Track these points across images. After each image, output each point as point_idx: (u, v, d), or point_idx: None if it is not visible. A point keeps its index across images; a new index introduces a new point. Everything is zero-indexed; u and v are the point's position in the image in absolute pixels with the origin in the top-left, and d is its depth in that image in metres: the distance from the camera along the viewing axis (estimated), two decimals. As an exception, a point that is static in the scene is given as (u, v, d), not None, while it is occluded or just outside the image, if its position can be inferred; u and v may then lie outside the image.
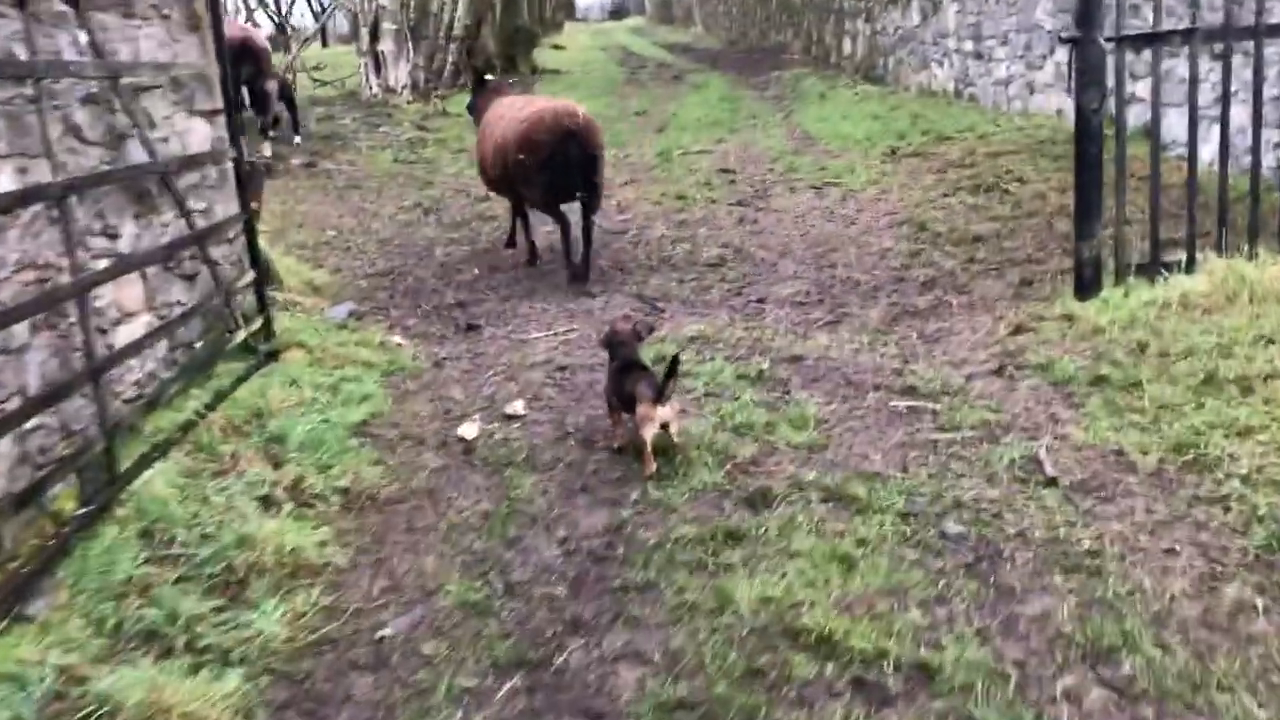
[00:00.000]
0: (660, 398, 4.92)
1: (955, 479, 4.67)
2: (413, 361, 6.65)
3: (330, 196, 11.66)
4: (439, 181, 12.67)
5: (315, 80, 18.14)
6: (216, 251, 6.51)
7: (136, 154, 5.38)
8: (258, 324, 6.66)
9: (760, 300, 7.84)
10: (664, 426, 4.94)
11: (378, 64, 16.68)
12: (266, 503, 4.75)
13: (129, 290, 5.28)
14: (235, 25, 12.65)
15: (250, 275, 6.66)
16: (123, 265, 5.08)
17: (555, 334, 7.23)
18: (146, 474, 4.80)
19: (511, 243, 9.83)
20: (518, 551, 4.33)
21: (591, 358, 6.56)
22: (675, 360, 5.00)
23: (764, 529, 4.30)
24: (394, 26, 16.33)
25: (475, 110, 10.21)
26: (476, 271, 8.97)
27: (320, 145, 14.35)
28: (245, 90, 12.60)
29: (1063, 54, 12.81)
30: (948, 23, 16.71)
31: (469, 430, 5.55)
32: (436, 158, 13.94)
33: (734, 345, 6.66)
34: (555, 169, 8.27)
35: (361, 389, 6.06)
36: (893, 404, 5.57)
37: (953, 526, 4.24)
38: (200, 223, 6.23)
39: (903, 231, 9.54)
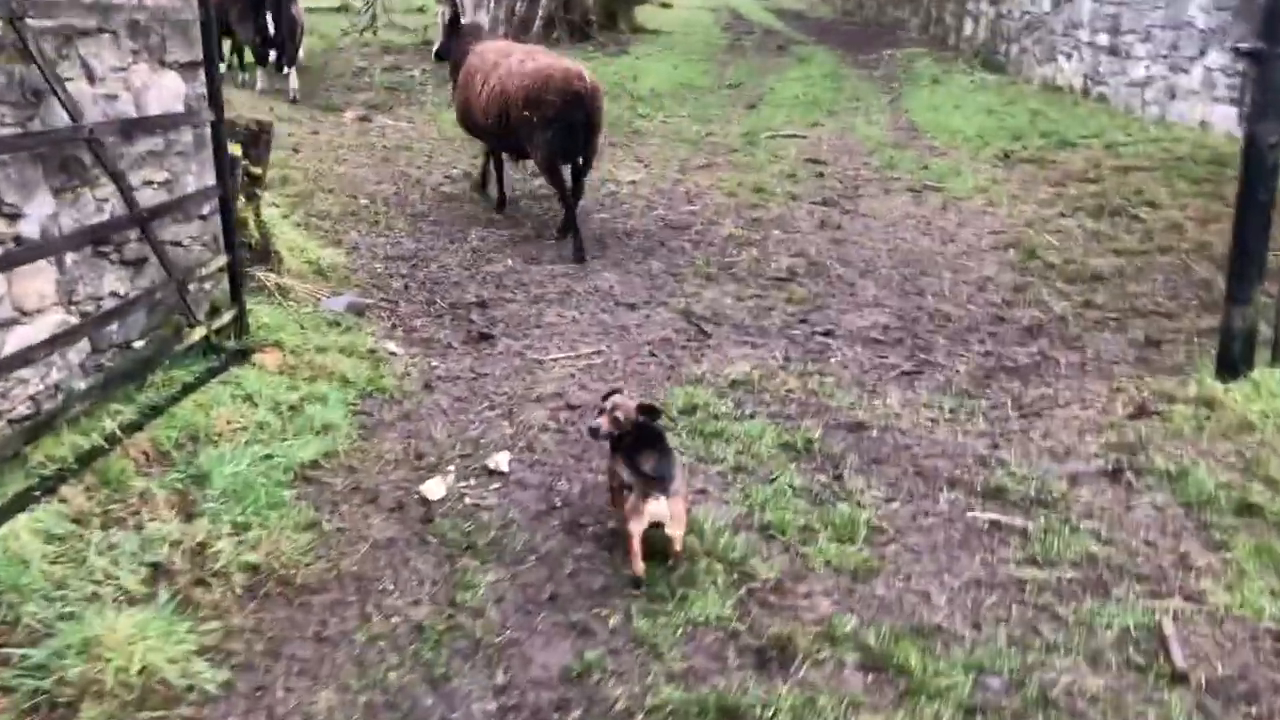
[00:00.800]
0: (656, 488, 3.78)
1: (1045, 652, 3.45)
2: (399, 381, 5.59)
3: (375, 158, 10.64)
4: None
5: (398, 26, 17.18)
6: (182, 231, 5.52)
7: (63, 115, 4.36)
8: (227, 318, 5.66)
9: (828, 333, 6.60)
10: (657, 525, 3.80)
11: (455, 14, 15.56)
12: (154, 575, 3.75)
13: (32, 282, 4.29)
14: None
15: (221, 260, 5.65)
16: (14, 255, 4.08)
17: (578, 356, 6.10)
18: (11, 522, 3.83)
19: (483, 185, 9.73)
20: (440, 698, 3.25)
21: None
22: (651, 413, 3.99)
23: (773, 709, 3.14)
24: (476, -27, 15.23)
25: (449, 55, 9.89)
26: (509, 263, 7.87)
27: (384, 98, 13.35)
28: (268, 19, 11.60)
29: (1215, 57, 11.18)
30: (1082, 11, 15.00)
31: (435, 489, 4.47)
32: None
33: (783, 398, 5.47)
34: (559, 130, 8.08)
35: (326, 415, 5.02)
36: (972, 514, 4.33)
37: (1033, 740, 3.03)
38: (163, 196, 5.24)
39: (1008, 257, 8.17)
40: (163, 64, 5.23)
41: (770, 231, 8.88)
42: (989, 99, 15.40)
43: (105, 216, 4.68)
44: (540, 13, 20.92)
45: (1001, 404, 5.54)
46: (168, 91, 5.27)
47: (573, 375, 5.81)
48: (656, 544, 3.84)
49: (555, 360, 6.04)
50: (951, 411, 5.41)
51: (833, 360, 6.14)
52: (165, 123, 5.20)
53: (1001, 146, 12.01)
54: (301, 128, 10.75)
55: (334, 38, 17.22)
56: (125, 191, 4.68)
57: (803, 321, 6.83)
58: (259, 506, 4.18)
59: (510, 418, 5.24)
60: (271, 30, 11.99)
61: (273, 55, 12.36)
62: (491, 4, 15.50)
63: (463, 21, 10.25)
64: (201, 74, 5.47)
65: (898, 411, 5.35)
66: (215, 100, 5.51)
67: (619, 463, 3.94)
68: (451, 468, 4.69)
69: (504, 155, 9.28)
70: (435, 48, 10.46)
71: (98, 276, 4.72)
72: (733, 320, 6.80)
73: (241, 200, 6.77)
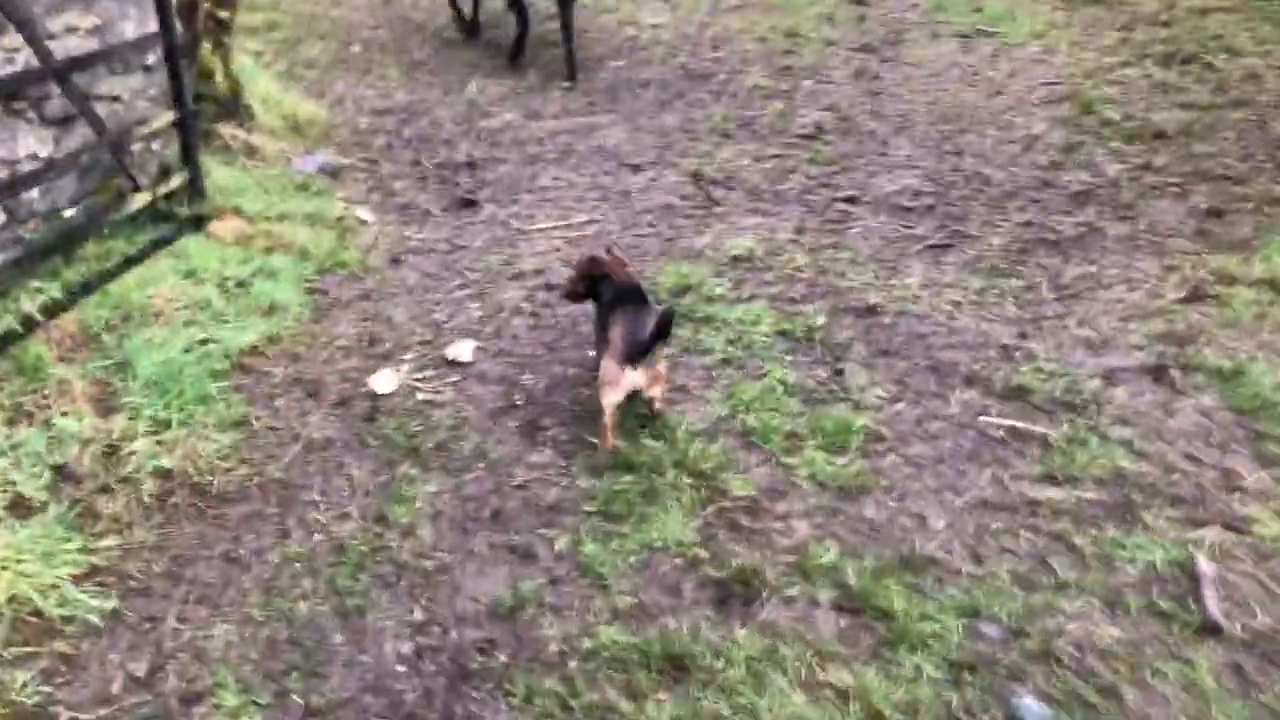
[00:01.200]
0: (637, 357, 3.44)
1: (1054, 592, 2.95)
2: (365, 254, 5.08)
3: (379, 6, 9.87)
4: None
5: None
6: (122, 84, 4.97)
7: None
8: (177, 181, 5.15)
9: (850, 199, 5.94)
10: (633, 394, 3.56)
11: None
12: (58, 478, 3.36)
13: (-78, 147, 3.79)
14: None
15: (169, 117, 5.10)
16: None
17: (568, 226, 5.54)
18: (-99, 420, 3.45)
19: (458, 11, 9.13)
20: (351, 635, 2.84)
21: (596, 272, 4.91)
22: (667, 318, 3.48)
23: (726, 659, 2.71)
24: None
25: None
26: (508, 118, 7.22)
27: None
28: None
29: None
30: None
31: (384, 381, 4.01)
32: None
33: (789, 277, 4.89)
34: None
35: (276, 293, 4.55)
36: (986, 418, 3.79)
37: (1032, 706, 2.56)
38: (93, 45, 4.68)
39: (1061, 112, 7.36)
40: (84, -111, 4.59)
41: (800, 82, 8.09)
42: (1057, -69, 14.06)
43: (16, 68, 4.14)
44: None
45: (1036, 284, 4.91)
46: (93, -78, 4.64)
47: (558, 249, 5.25)
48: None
49: (542, 231, 5.48)
50: (978, 293, 4.80)
51: (851, 231, 5.52)
52: (89, -41, 4.59)
53: (1066, -15, 10.90)
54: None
55: None
56: (35, 40, 4.12)
57: (824, 186, 6.17)
58: (184, 400, 3.75)
59: (482, 298, 4.73)
60: None
61: None
62: None
63: None
64: (134, -99, 4.82)
65: (917, 293, 4.75)
66: (152, -67, 4.86)
67: (615, 319, 3.60)
68: (408, 357, 4.22)
69: None
70: None
71: (10, 137, 4.21)
72: (746, 184, 6.15)
73: (207, 47, 6.19)
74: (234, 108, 6.24)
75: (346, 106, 7.13)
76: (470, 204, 5.81)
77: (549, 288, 4.82)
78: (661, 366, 3.65)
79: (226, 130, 6.02)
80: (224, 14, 6.29)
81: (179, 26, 5.86)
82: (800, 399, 3.88)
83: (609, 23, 9.62)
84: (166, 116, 5.09)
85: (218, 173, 5.46)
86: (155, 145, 5.16)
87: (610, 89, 7.89)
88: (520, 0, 8.06)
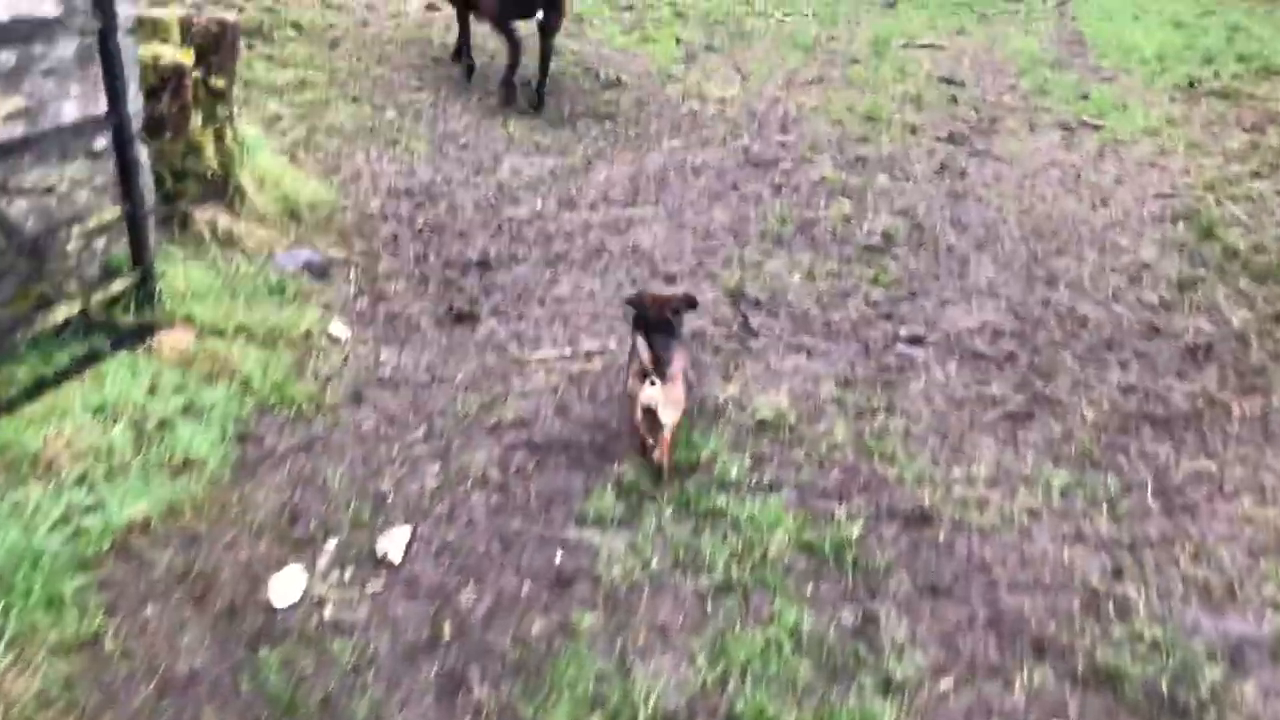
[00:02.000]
0: (655, 370, 3.64)
1: None
2: (322, 386, 4.27)
3: (426, 56, 9.13)
4: (577, 50, 9.95)
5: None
6: (59, 173, 4.26)
7: None
8: (119, 286, 4.41)
9: (915, 338, 5.00)
10: (649, 411, 3.66)
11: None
12: None
13: None
14: None
15: (113, 212, 4.38)
16: None
17: (573, 355, 4.68)
18: None
19: (457, 55, 8.82)
20: None
21: (596, 428, 4.05)
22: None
23: None
24: None
25: None
26: (540, 205, 6.42)
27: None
28: None
29: None
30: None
31: (287, 588, 3.18)
32: (594, 15, 11.16)
33: (825, 457, 3.96)
34: None
35: (197, 439, 3.76)
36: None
37: None
38: (19, 129, 3.98)
39: (1175, 234, 6.32)
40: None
41: (874, 177, 7.16)
42: (1180, 6, 12.96)
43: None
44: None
45: (1138, 484, 3.91)
46: (19, -12, 3.94)
47: (556, 387, 4.40)
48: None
49: (542, 361, 4.63)
50: (1063, 494, 3.82)
51: (912, 386, 4.57)
52: (15, 33, 3.89)
53: (1186, 73, 9.82)
54: (349, 17, 9.37)
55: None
56: (-86, 132, 3.41)
57: (886, 316, 5.23)
58: (27, 605, 2.96)
59: (445, 458, 3.88)
60: None
61: None
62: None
63: None
64: (79, -37, 4.11)
65: (984, 493, 3.79)
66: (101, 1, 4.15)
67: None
68: (330, 546, 3.38)
69: (470, 16, 8.43)
70: None
71: (-117, 247, 3.50)
72: (794, 310, 5.24)
73: (197, 120, 5.50)
74: (223, 189, 5.54)
75: (361, 184, 6.39)
76: (466, 319, 4.99)
77: (532, 447, 3.96)
78: (680, 388, 3.76)
79: (207, 215, 5.31)
80: (219, 83, 5.60)
81: (168, 99, 5.24)
82: (814, 663, 2.94)
83: (674, 95, 8.82)
84: (110, 211, 4.37)
85: (180, 271, 4.73)
86: (99, 243, 4.44)
87: (660, 174, 7.05)
88: (508, 27, 7.86)
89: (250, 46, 7.97)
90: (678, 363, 3.82)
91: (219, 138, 5.68)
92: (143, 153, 4.68)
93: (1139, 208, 6.73)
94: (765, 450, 3.95)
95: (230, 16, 5.70)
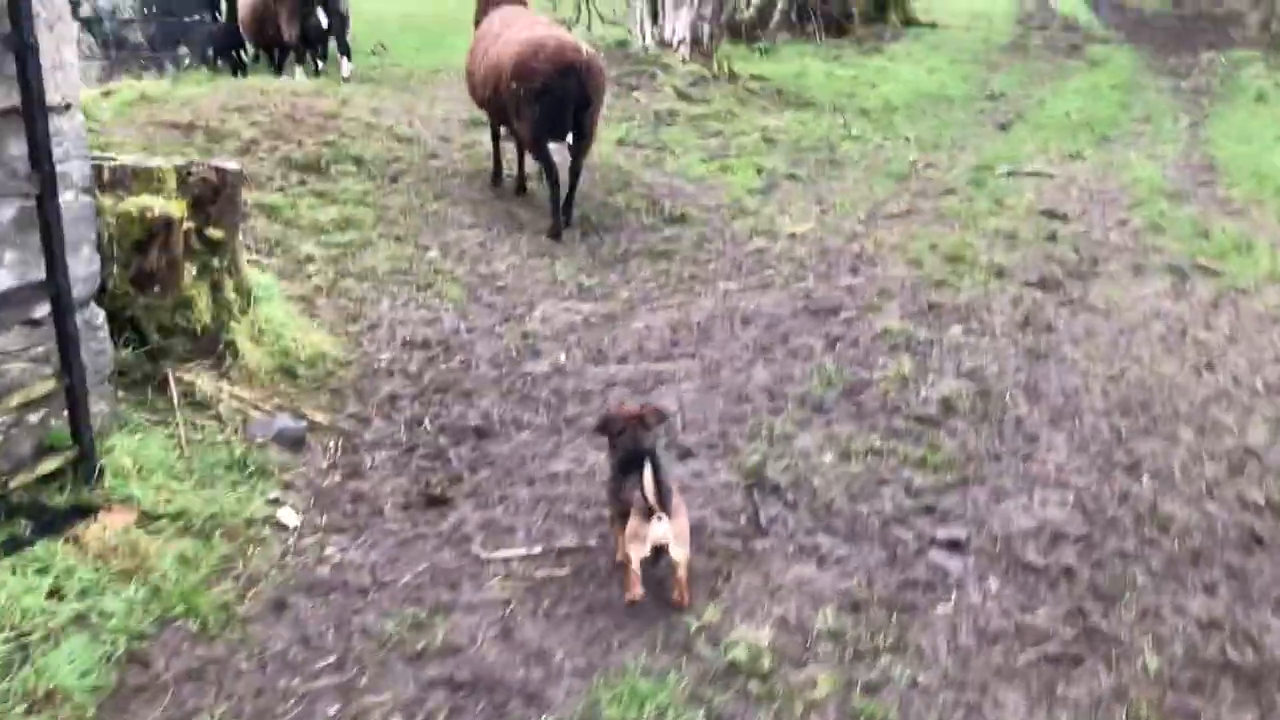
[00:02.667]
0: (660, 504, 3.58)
1: None
2: (242, 593, 3.78)
3: (488, 189, 8.91)
4: (649, 182, 9.56)
5: (609, 20, 15.49)
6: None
7: None
8: (52, 465, 4.06)
9: (955, 544, 4.23)
10: (658, 550, 3.64)
11: (655, 10, 13.67)
12: None
13: None
14: None
15: (46, 386, 4.04)
16: None
17: (545, 551, 4.10)
18: None
19: (497, 177, 8.92)
20: None
21: (536, 661, 3.42)
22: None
23: None
24: (677, -35, 13.21)
25: (478, 20, 9.04)
26: (562, 359, 5.93)
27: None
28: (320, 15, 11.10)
29: None
30: None
31: None
32: (678, 142, 10.81)
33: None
34: (548, 104, 7.61)
35: (72, 664, 3.29)
36: None
37: None
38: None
39: (1298, 409, 5.38)
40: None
41: (945, 330, 6.42)
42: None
43: None
44: (780, 6, 18.63)
45: (1207, 776, 3.04)
46: (-52, 154, 3.69)
47: (507, 601, 3.80)
48: None
49: (505, 562, 4.04)
50: (1101, 789, 2.98)
51: (936, 611, 3.80)
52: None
53: (1327, 207, 8.78)
54: (418, 150, 9.17)
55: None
56: None
57: (924, 513, 4.48)
58: None
59: (348, 696, 3.30)
60: (325, 24, 11.73)
61: (308, 56, 12.09)
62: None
63: None
64: (11, 119, 3.84)
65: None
66: (39, 160, 3.87)
67: (630, 479, 3.69)
68: (167, 822, 2.82)
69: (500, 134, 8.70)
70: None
71: None
72: (816, 501, 4.53)
73: (191, 273, 5.23)
74: (212, 345, 5.23)
75: (377, 334, 6.02)
76: (438, 502, 4.47)
77: (461, 689, 3.35)
78: (684, 520, 3.72)
79: (187, 376, 4.97)
80: (216, 234, 5.34)
81: (156, 253, 4.98)
82: None
83: (742, 230, 8.30)
84: (44, 386, 4.04)
85: (131, 444, 4.36)
86: (34, 417, 4.10)
87: (706, 322, 6.49)
88: (542, 150, 7.95)
89: (303, 183, 7.84)
90: (677, 492, 3.79)
91: (216, 290, 5.41)
92: (98, 316, 4.40)
93: (1252, 375, 5.80)
94: (726, 709, 3.24)
95: (233, 165, 5.45)
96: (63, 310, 4.01)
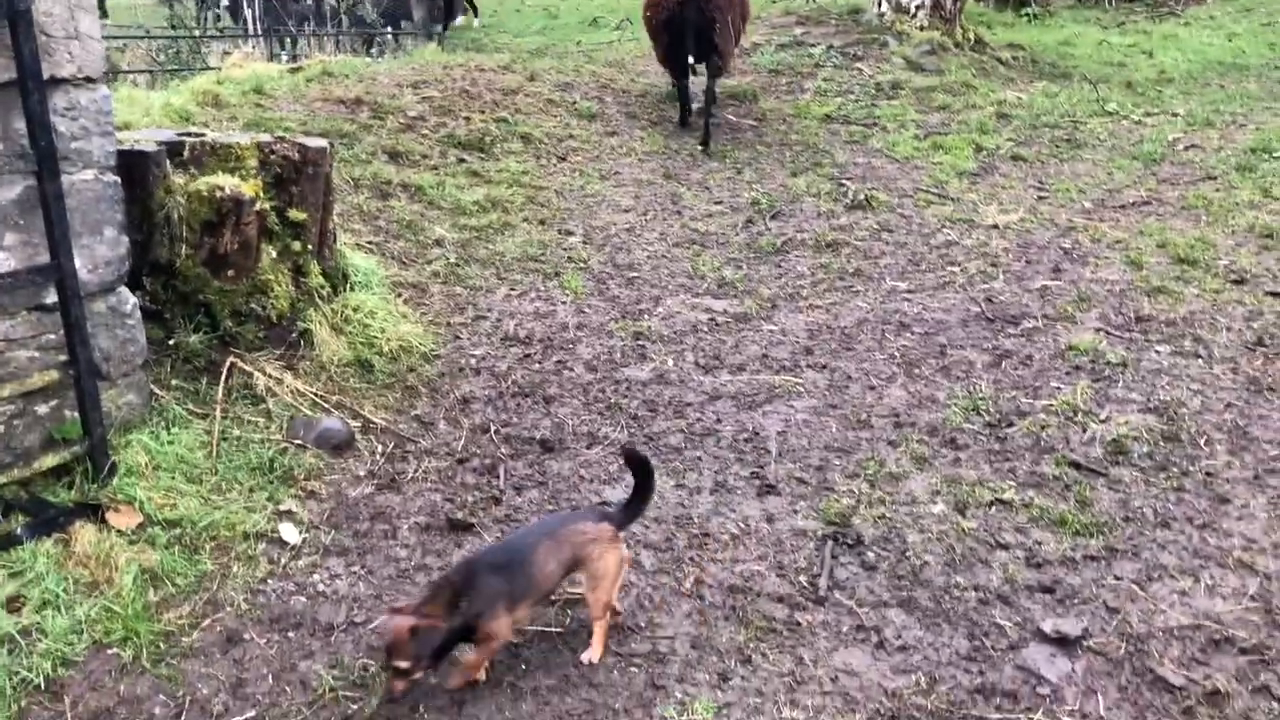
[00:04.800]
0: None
1: None
2: (198, 616, 3.41)
3: (659, 172, 8.27)
4: (841, 162, 8.60)
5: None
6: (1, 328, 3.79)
7: None
8: (51, 460, 3.86)
9: (1065, 640, 3.27)
10: None
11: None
12: None
13: None
14: None
15: (47, 377, 3.84)
16: None
17: (546, 602, 3.48)
18: None
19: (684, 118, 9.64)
20: None
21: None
22: None
23: None
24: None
25: None
26: (671, 365, 5.24)
27: (760, 83, 10.83)
28: None
29: None
30: None
31: None
32: (893, 118, 9.73)
33: None
34: (674, 31, 8.70)
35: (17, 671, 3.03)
36: None
37: None
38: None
39: None
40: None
41: (1148, 350, 5.24)
42: None
43: None
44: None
45: None
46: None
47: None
48: None
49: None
50: None
51: (1006, 739, 2.88)
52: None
53: None
54: (596, 127, 8.70)
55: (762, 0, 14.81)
56: None
57: (1044, 590, 3.51)
58: None
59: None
60: None
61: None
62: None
63: None
64: (12, 92, 3.62)
65: None
66: (38, 137, 3.63)
67: None
68: None
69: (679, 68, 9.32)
70: None
71: None
72: (907, 561, 3.66)
73: (269, 256, 4.97)
74: (284, 333, 4.95)
75: (480, 328, 5.58)
76: (462, 528, 3.95)
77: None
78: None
79: (248, 366, 4.71)
80: (298, 215, 5.05)
81: (229, 235, 4.74)
82: None
83: (933, 220, 7.26)
84: (44, 376, 3.83)
85: (156, 439, 4.12)
86: (42, 408, 3.91)
87: (853, 328, 5.63)
88: (677, 74, 9.18)
89: (461, 161, 7.54)
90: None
91: (298, 274, 5.14)
92: (127, 302, 4.16)
93: None
94: None
95: (318, 141, 5.13)
96: (68, 295, 3.78)
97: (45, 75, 3.65)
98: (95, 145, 3.93)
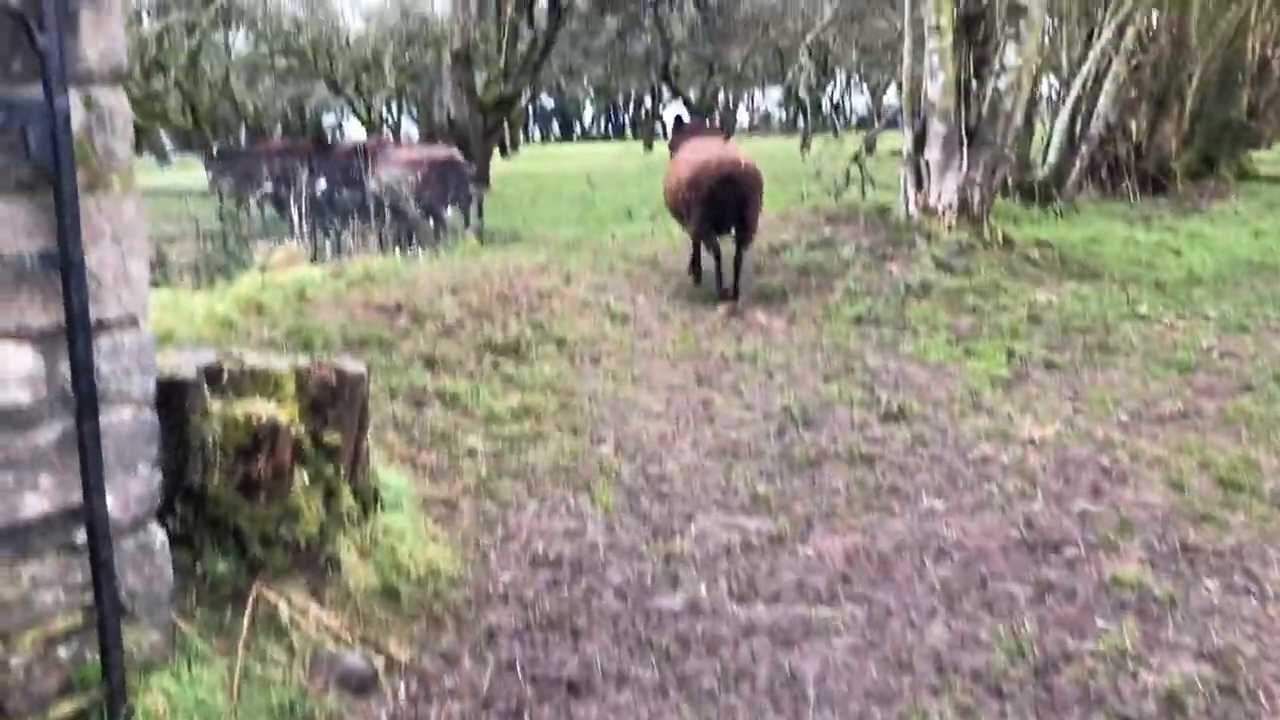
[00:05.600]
0: None
1: None
2: None
3: (691, 376, 8.32)
4: (873, 367, 8.64)
5: (880, 185, 14.80)
6: (16, 573, 3.75)
7: None
8: (68, 707, 3.77)
9: None
10: None
11: (919, 176, 12.82)
12: None
13: None
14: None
15: (72, 620, 3.78)
16: None
17: None
18: None
19: (693, 265, 11.27)
20: None
21: None
22: None
23: None
24: (944, 129, 12.30)
25: (672, 148, 11.97)
26: (704, 594, 5.12)
27: (787, 282, 10.99)
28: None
29: None
30: None
31: None
32: (924, 320, 9.83)
33: None
34: (713, 205, 9.97)
35: None
36: None
37: None
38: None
39: None
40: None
41: (1198, 583, 5.08)
42: None
43: None
44: (1081, 164, 17.23)
45: None
46: (-14, 378, 3.56)
47: None
48: None
49: None
50: None
51: None
52: None
53: None
54: (629, 330, 8.83)
55: (790, 198, 15.25)
56: None
57: None
58: None
59: None
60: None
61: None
62: (964, 162, 12.41)
63: (686, 123, 12.81)
64: (59, 342, 3.68)
65: None
66: (81, 380, 3.68)
67: None
68: None
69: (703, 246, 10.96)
70: (669, 143, 12.58)
71: None
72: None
73: (302, 481, 4.96)
74: (313, 558, 4.89)
75: (509, 549, 5.50)
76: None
77: None
78: None
79: (274, 596, 4.64)
80: (332, 439, 5.07)
81: (263, 460, 4.75)
82: None
83: (968, 432, 7.21)
84: (69, 619, 3.78)
85: (177, 681, 4.02)
86: (63, 650, 3.84)
87: (890, 554, 5.50)
88: (710, 239, 10.43)
89: (495, 366, 7.62)
90: None
91: (329, 497, 5.11)
92: (156, 539, 4.13)
93: None
94: None
95: (356, 366, 5.20)
96: (98, 536, 3.76)
97: (93, 319, 3.73)
98: (135, 383, 3.98)
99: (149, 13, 20.99)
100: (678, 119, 12.87)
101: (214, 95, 33.10)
